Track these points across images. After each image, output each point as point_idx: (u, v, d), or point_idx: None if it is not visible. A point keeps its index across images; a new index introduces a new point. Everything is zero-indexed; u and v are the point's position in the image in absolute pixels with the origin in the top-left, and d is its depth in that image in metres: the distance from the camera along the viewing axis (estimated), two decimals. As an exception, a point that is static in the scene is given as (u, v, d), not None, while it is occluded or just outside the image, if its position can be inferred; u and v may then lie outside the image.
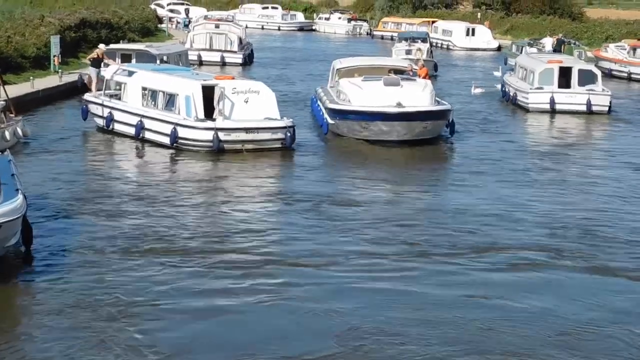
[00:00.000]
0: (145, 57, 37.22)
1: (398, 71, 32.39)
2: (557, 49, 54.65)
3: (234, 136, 26.65)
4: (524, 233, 19.06)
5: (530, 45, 58.71)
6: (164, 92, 28.03)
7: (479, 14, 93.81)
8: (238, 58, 54.33)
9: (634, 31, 71.13)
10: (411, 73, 32.67)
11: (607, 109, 37.89)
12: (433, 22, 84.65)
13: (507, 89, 41.62)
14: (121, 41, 50.89)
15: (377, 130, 28.61)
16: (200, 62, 51.12)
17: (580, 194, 23.18)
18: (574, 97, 37.56)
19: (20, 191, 15.84)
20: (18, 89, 34.75)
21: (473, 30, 77.72)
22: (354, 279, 15.84)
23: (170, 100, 27.69)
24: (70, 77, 39.27)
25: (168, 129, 26.95)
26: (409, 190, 23.25)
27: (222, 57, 53.62)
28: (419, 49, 51.68)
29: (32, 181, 21.44)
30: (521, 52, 55.37)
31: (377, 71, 32.19)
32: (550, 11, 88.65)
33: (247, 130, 26.77)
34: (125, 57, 38.19)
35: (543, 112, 37.69)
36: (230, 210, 20.43)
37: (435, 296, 15.12)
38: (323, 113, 30.91)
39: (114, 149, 28.08)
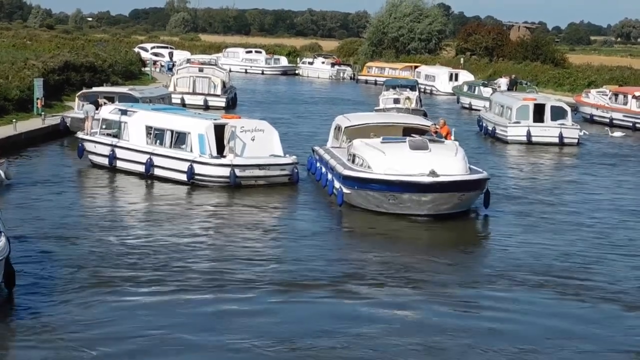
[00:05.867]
0: (128, 100, 36.96)
1: (416, 130, 28.46)
2: (510, 89, 57.04)
3: (248, 172, 27.77)
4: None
5: (485, 85, 60.71)
6: (172, 131, 28.80)
7: (462, 59, 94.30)
8: (221, 101, 54.35)
9: (616, 77, 71.50)
10: (435, 134, 27.88)
11: (576, 140, 42.39)
12: (416, 66, 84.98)
13: (484, 124, 45.78)
14: (104, 84, 50.87)
15: (406, 203, 24.13)
16: (184, 105, 50.68)
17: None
18: (548, 131, 42.07)
19: (3, 233, 15.66)
20: (0, 131, 34.61)
21: (457, 75, 77.86)
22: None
23: (180, 139, 28.50)
24: (53, 120, 39.13)
25: (183, 166, 27.78)
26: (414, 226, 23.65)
27: (206, 101, 53.62)
28: (408, 98, 50.09)
29: (21, 222, 21.36)
30: (474, 92, 60.49)
31: (391, 130, 28.55)
32: (533, 57, 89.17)
33: (260, 166, 28.10)
34: (108, 100, 37.93)
35: (520, 143, 41.75)
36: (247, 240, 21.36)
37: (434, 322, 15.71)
38: (332, 180, 26.58)
39: (119, 185, 28.42)
